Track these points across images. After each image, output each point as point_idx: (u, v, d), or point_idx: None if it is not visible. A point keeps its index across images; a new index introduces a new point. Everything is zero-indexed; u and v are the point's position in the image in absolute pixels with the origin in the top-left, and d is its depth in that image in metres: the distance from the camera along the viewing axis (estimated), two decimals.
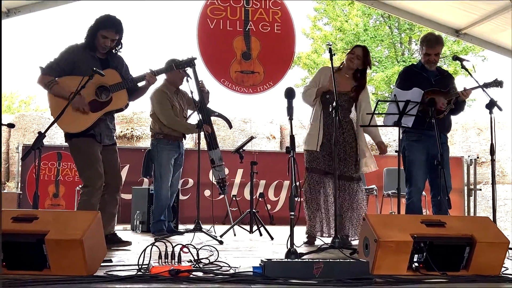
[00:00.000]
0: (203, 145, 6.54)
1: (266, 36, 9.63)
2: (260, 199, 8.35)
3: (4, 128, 9.61)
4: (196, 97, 6.45)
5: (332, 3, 23.07)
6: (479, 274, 3.68)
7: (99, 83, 5.10)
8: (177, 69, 5.89)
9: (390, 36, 23.12)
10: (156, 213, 6.85)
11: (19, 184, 9.51)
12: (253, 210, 7.12)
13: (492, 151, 5.78)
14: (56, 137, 10.36)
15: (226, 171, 6.85)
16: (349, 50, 6.37)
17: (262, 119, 11.35)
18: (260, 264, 3.32)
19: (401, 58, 22.81)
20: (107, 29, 5.17)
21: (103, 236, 3.74)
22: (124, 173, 8.77)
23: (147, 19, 45.41)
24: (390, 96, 5.78)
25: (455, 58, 6.06)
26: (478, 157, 10.25)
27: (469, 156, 10.17)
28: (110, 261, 3.97)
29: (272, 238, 6.58)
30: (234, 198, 8.53)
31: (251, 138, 7.63)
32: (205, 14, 9.48)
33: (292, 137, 4.49)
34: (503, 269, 3.82)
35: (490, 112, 5.66)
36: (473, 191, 10.04)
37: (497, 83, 5.84)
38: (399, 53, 23.13)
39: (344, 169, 5.91)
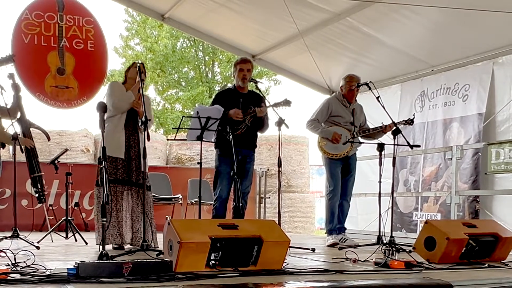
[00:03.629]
0: (20, 156, 6.27)
1: (80, 53, 9.48)
2: (75, 208, 8.21)
3: None
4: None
5: (143, 24, 22.98)
6: (265, 269, 3.95)
7: None
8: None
9: (195, 59, 23.55)
10: None
11: None
12: (69, 218, 7.02)
13: (279, 164, 6.23)
14: None
15: (44, 181, 6.66)
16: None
17: (77, 132, 11.02)
18: (74, 266, 3.32)
19: (205, 79, 23.33)
20: None
21: None
22: None
23: None
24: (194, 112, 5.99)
25: (251, 80, 6.43)
26: (268, 169, 10.81)
27: (261, 169, 10.62)
28: None
29: (86, 243, 6.47)
30: (50, 207, 8.26)
31: (66, 150, 7.49)
32: (20, 29, 9.15)
33: (103, 148, 4.52)
34: (284, 263, 4.14)
35: (279, 129, 6.09)
36: (263, 199, 10.53)
37: (286, 103, 6.24)
38: (204, 74, 23.63)
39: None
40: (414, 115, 6.90)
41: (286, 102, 6.24)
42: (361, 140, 6.90)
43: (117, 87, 5.96)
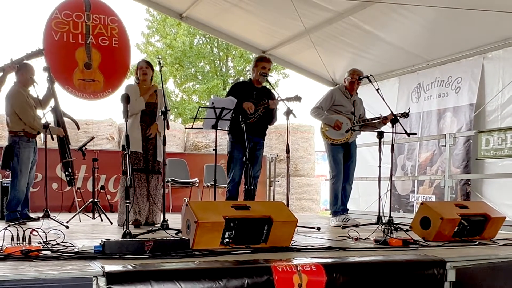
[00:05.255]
0: (51, 144, 6.32)
1: (105, 49, 9.50)
2: (101, 190, 8.24)
3: None
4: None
5: (162, 23, 22.95)
6: (275, 246, 3.94)
7: None
8: (27, 58, 5.92)
9: (211, 54, 23.50)
10: (12, 204, 6.29)
11: None
12: (95, 200, 7.06)
13: (287, 150, 6.22)
14: None
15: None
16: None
17: (102, 122, 11.03)
18: (100, 243, 3.33)
19: (220, 73, 23.30)
20: None
21: None
22: None
23: None
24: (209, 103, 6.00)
25: (261, 74, 6.41)
26: (277, 155, 10.79)
27: (270, 155, 10.62)
28: None
29: (111, 223, 6.51)
30: (78, 190, 8.32)
31: (92, 138, 7.54)
32: (50, 27, 9.18)
33: (127, 137, 4.52)
34: (292, 241, 4.14)
35: (287, 119, 6.06)
36: (273, 182, 10.51)
37: (297, 98, 6.22)
38: (218, 68, 23.59)
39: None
40: (409, 109, 6.89)
41: (297, 98, 6.23)
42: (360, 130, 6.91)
43: (132, 91, 5.96)
